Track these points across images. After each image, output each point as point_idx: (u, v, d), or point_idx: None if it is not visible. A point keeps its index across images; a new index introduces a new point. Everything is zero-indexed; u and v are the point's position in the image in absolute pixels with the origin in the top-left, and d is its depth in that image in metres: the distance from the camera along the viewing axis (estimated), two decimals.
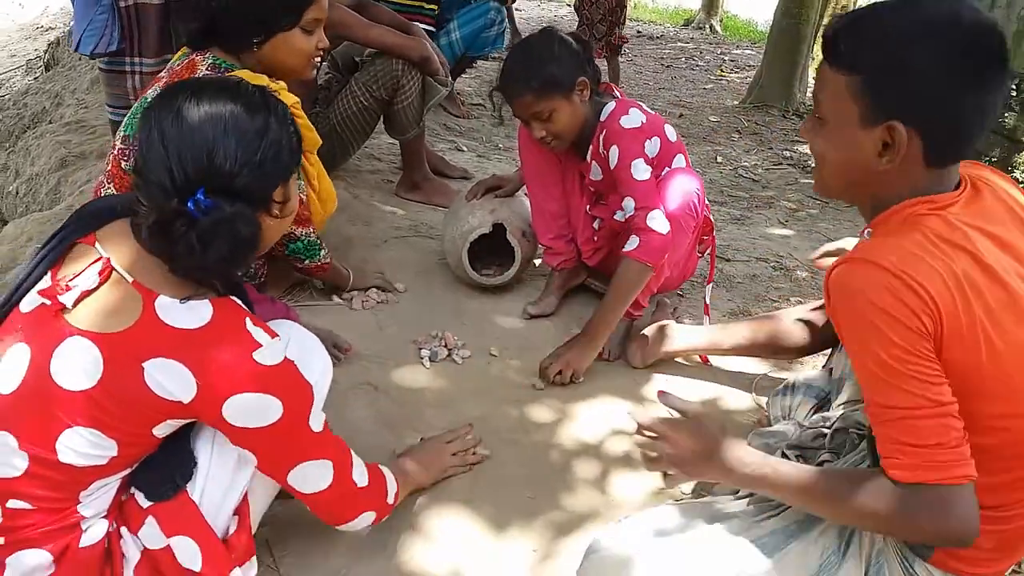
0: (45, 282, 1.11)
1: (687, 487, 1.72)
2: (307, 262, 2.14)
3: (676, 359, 2.15)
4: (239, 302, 1.15)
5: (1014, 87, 3.43)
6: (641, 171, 2.01)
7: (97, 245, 1.12)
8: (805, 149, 4.50)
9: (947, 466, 1.03)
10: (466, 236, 2.36)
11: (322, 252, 2.17)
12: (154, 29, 2.51)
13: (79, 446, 1.07)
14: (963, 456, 1.03)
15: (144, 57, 2.54)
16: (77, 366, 1.06)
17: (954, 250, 1.08)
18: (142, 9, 2.48)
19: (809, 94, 5.52)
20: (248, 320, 1.13)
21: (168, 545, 1.15)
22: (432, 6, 3.44)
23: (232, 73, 1.78)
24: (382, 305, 2.35)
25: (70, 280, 1.09)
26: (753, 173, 3.99)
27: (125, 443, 1.10)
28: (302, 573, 1.45)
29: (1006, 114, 3.44)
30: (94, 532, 1.15)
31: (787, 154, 4.36)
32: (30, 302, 1.11)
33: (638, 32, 8.72)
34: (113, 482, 1.16)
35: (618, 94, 2.17)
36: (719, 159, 4.19)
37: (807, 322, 1.88)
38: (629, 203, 2.01)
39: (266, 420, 1.13)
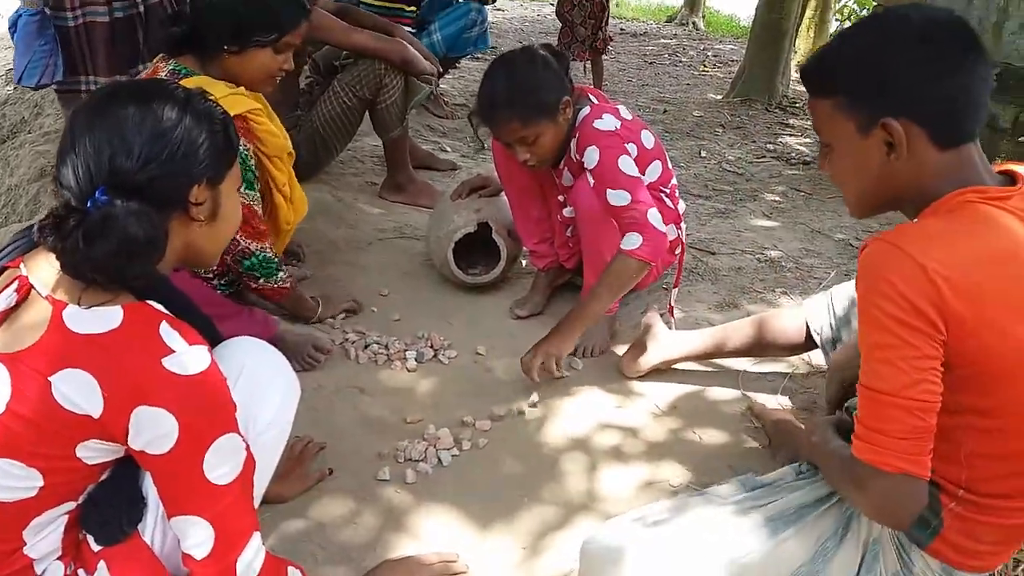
0: None
1: (676, 481, 1.72)
2: (263, 282, 2.02)
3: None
4: (157, 306, 1.06)
5: (995, 76, 3.45)
6: (630, 167, 2.00)
7: (21, 266, 1.07)
8: (789, 141, 4.51)
9: (892, 454, 1.07)
10: (451, 235, 2.36)
11: (280, 274, 2.05)
12: (104, 47, 2.50)
13: (4, 478, 1.00)
14: (911, 451, 1.07)
15: (97, 75, 2.54)
16: None
17: (998, 234, 1.09)
18: (91, 27, 2.48)
19: (792, 88, 5.55)
20: (164, 323, 1.03)
21: None
22: (411, 8, 3.44)
23: (190, 79, 1.78)
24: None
25: None
26: (737, 166, 4.00)
27: (50, 471, 1.02)
28: None
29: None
30: None
31: (771, 147, 4.37)
32: None
33: (621, 29, 8.73)
34: (57, 519, 1.08)
35: (593, 98, 2.14)
36: (703, 153, 4.20)
37: (798, 319, 1.89)
38: (621, 195, 1.96)
39: (162, 447, 1.01)
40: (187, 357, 1.02)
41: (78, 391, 0.99)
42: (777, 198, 3.56)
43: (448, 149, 3.81)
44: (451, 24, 3.54)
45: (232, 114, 1.70)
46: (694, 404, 1.99)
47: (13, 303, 1.03)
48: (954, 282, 1.04)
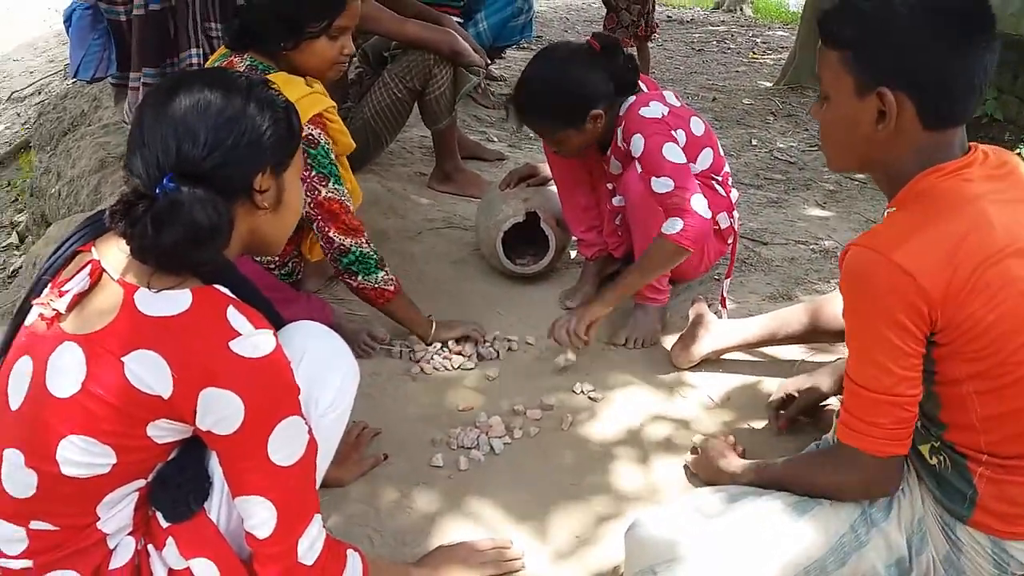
0: (45, 293, 1.10)
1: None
2: (361, 279, 1.93)
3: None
4: (224, 290, 1.09)
5: None
6: (675, 154, 1.97)
7: (92, 250, 1.11)
8: None
9: (885, 443, 1.19)
10: (500, 225, 2.36)
11: (380, 273, 1.95)
12: (152, 37, 2.53)
13: (76, 455, 1.04)
14: (900, 436, 1.20)
15: (146, 67, 2.57)
16: (66, 372, 1.04)
17: (961, 208, 1.15)
18: (137, 21, 2.51)
19: None
20: (231, 307, 1.06)
21: (188, 567, 1.11)
22: None
23: (269, 75, 1.80)
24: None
25: (63, 286, 1.08)
26: (789, 155, 3.93)
27: (122, 448, 1.06)
28: None
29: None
30: (123, 552, 1.12)
31: None
32: (32, 314, 1.10)
33: (668, 17, 8.61)
34: (128, 496, 1.12)
35: (643, 86, 2.13)
36: (754, 142, 4.13)
37: None
38: (665, 182, 1.94)
39: (228, 427, 1.04)
40: (253, 340, 1.05)
41: (149, 372, 1.02)
42: (831, 187, 3.48)
43: (495, 139, 3.81)
44: (497, 13, 3.53)
45: (312, 113, 1.72)
46: (748, 395, 1.96)
47: (87, 287, 1.07)
48: (929, 269, 1.11)
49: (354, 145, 2.03)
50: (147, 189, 1.05)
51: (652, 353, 2.14)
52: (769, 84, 5.49)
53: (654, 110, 2.02)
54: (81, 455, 1.04)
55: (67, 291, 1.07)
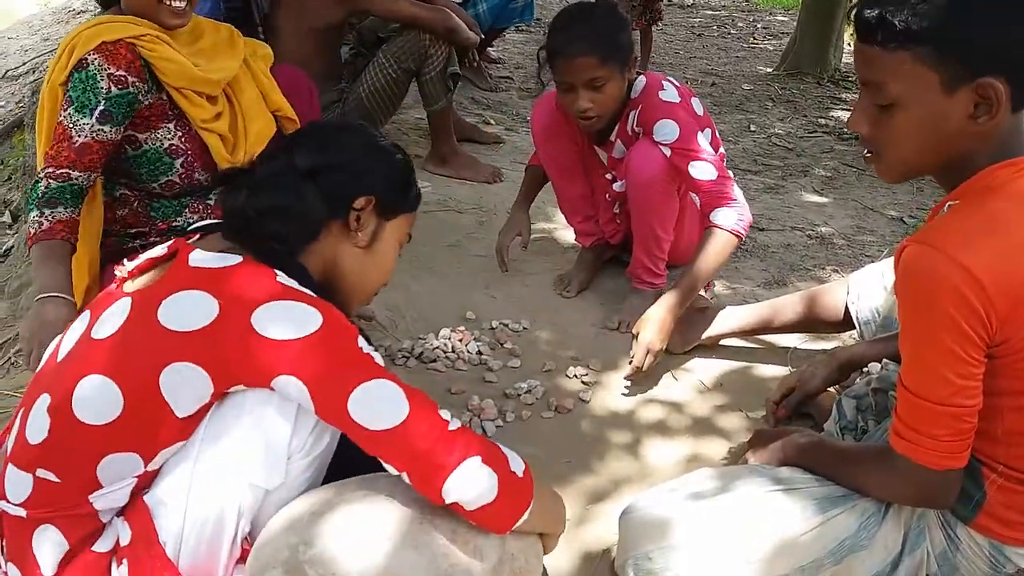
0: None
1: (721, 457, 1.70)
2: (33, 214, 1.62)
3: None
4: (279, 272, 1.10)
5: None
6: (706, 143, 1.98)
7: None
8: (841, 116, 4.38)
9: (942, 455, 1.12)
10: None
11: (32, 212, 1.61)
12: None
13: (90, 395, 1.04)
14: (957, 450, 1.12)
15: None
16: (109, 320, 1.09)
17: None
18: None
19: (844, 60, 5.38)
20: (280, 274, 1.09)
21: None
22: None
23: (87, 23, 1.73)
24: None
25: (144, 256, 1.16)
26: (787, 141, 3.91)
27: (131, 399, 1.03)
28: None
29: None
30: (110, 537, 1.08)
31: (822, 121, 4.26)
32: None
33: (669, 1, 8.56)
34: (127, 479, 1.06)
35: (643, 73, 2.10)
36: (752, 127, 4.11)
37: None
38: (708, 168, 1.93)
39: (304, 329, 1.02)
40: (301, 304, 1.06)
41: (188, 306, 1.04)
42: (828, 174, 3.47)
43: (492, 122, 3.78)
44: None
45: (109, 39, 1.65)
46: (741, 381, 1.96)
47: (162, 254, 1.15)
48: (1000, 279, 1.03)
49: (200, 74, 1.76)
50: (256, 167, 1.17)
51: None
52: (769, 70, 5.46)
53: (671, 92, 2.01)
54: (96, 396, 1.04)
55: (142, 257, 1.15)
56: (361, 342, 1.07)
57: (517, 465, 1.08)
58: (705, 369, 2.00)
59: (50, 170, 1.65)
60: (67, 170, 1.65)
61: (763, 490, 1.27)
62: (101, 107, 1.67)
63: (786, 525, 1.22)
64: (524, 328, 2.16)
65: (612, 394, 1.91)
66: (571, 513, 1.55)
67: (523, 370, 1.99)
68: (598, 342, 2.12)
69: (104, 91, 1.67)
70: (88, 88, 1.66)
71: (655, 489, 1.36)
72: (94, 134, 1.67)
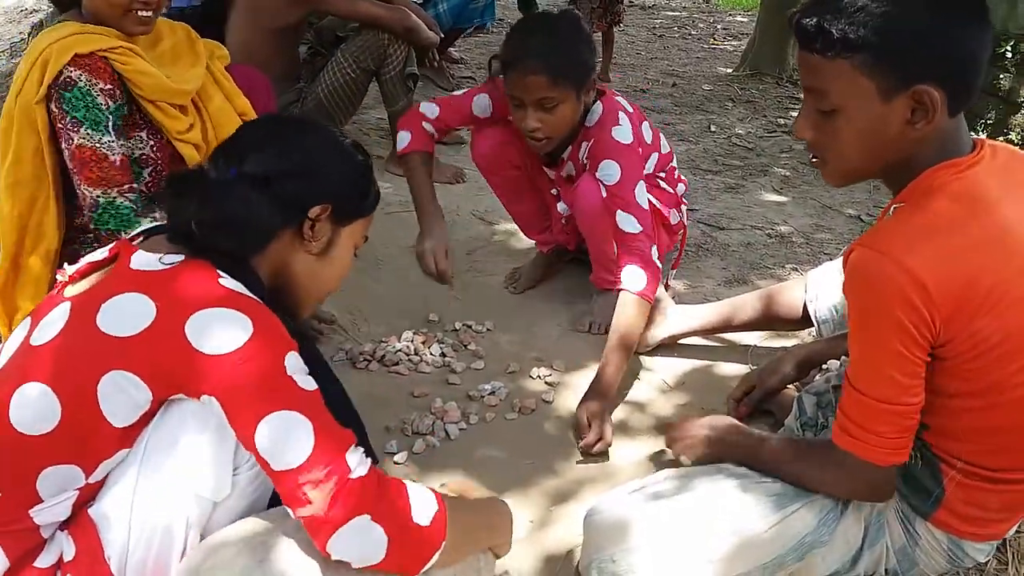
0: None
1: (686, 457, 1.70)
2: (116, 231, 1.69)
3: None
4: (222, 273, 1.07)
5: (1009, 48, 3.38)
6: (643, 196, 1.95)
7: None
8: None
9: (886, 452, 1.15)
10: None
11: (146, 222, 1.66)
12: None
13: (27, 404, 1.00)
14: (901, 446, 1.16)
15: None
16: (47, 327, 1.05)
17: (977, 216, 1.09)
18: None
19: None
20: (223, 276, 1.06)
21: None
22: None
23: (63, 22, 1.69)
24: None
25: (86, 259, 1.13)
26: (747, 141, 3.95)
27: (68, 408, 1.00)
28: None
29: (1001, 76, 3.40)
30: (52, 551, 1.03)
31: (781, 121, 4.31)
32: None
33: (630, 2, 8.61)
34: (68, 491, 1.02)
35: (603, 90, 2.05)
36: (712, 128, 4.14)
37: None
38: (633, 222, 1.91)
39: (231, 344, 0.98)
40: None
41: (126, 309, 1.02)
42: (787, 173, 3.51)
43: None
44: None
45: (82, 52, 1.62)
46: (702, 379, 1.98)
47: (103, 257, 1.11)
48: (942, 280, 1.06)
49: (174, 86, 1.75)
50: (209, 171, 1.12)
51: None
52: (729, 70, 5.51)
53: (625, 132, 1.96)
54: (32, 404, 1.00)
55: (83, 260, 1.11)
56: (290, 360, 1.02)
57: (425, 511, 1.04)
58: (667, 368, 2.01)
59: (113, 191, 1.67)
60: (127, 185, 1.69)
61: (721, 488, 1.28)
62: (111, 121, 1.68)
63: (745, 523, 1.23)
64: (487, 329, 2.15)
65: (576, 395, 1.90)
66: (535, 515, 1.54)
67: (487, 372, 1.98)
68: (562, 343, 2.12)
69: (103, 106, 1.67)
70: (91, 106, 1.65)
71: (618, 490, 1.36)
72: (122, 149, 1.70)
